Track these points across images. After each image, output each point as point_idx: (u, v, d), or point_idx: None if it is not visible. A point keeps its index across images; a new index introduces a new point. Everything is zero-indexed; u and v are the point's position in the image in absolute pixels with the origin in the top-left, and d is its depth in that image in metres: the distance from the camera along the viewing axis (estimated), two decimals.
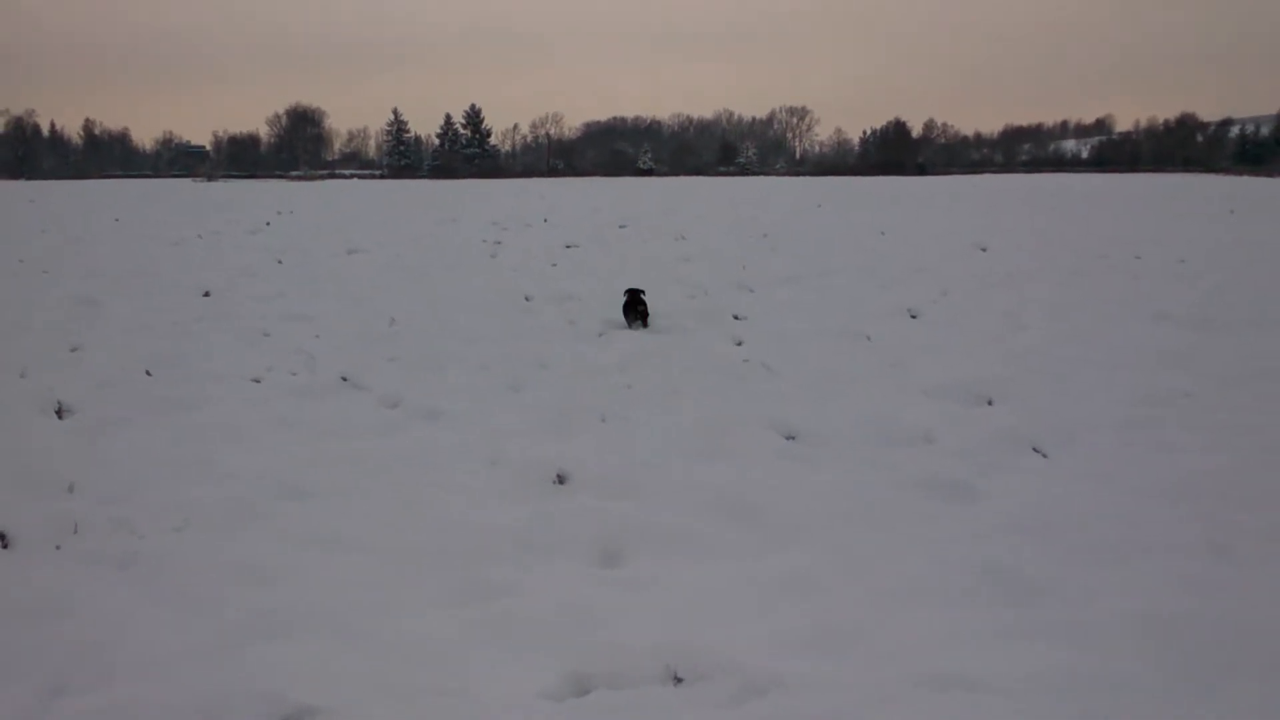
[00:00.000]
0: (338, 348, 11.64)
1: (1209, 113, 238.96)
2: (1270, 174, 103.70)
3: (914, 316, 13.85)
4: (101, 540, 5.92)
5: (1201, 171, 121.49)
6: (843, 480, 7.05)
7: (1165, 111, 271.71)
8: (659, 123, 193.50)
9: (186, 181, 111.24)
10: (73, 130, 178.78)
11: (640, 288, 13.90)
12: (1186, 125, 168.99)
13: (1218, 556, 5.57)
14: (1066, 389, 9.53)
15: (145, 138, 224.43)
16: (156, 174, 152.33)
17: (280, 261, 20.95)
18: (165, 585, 5.33)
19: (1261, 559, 5.55)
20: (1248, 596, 5.09)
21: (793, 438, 8.14)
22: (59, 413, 8.68)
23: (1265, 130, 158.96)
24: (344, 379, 10.05)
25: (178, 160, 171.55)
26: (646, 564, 5.74)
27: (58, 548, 5.79)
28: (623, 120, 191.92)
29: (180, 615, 5.01)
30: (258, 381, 10.01)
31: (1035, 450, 7.74)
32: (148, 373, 10.24)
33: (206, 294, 15.96)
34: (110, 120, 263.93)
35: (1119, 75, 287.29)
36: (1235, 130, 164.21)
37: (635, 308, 13.43)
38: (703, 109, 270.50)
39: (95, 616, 4.97)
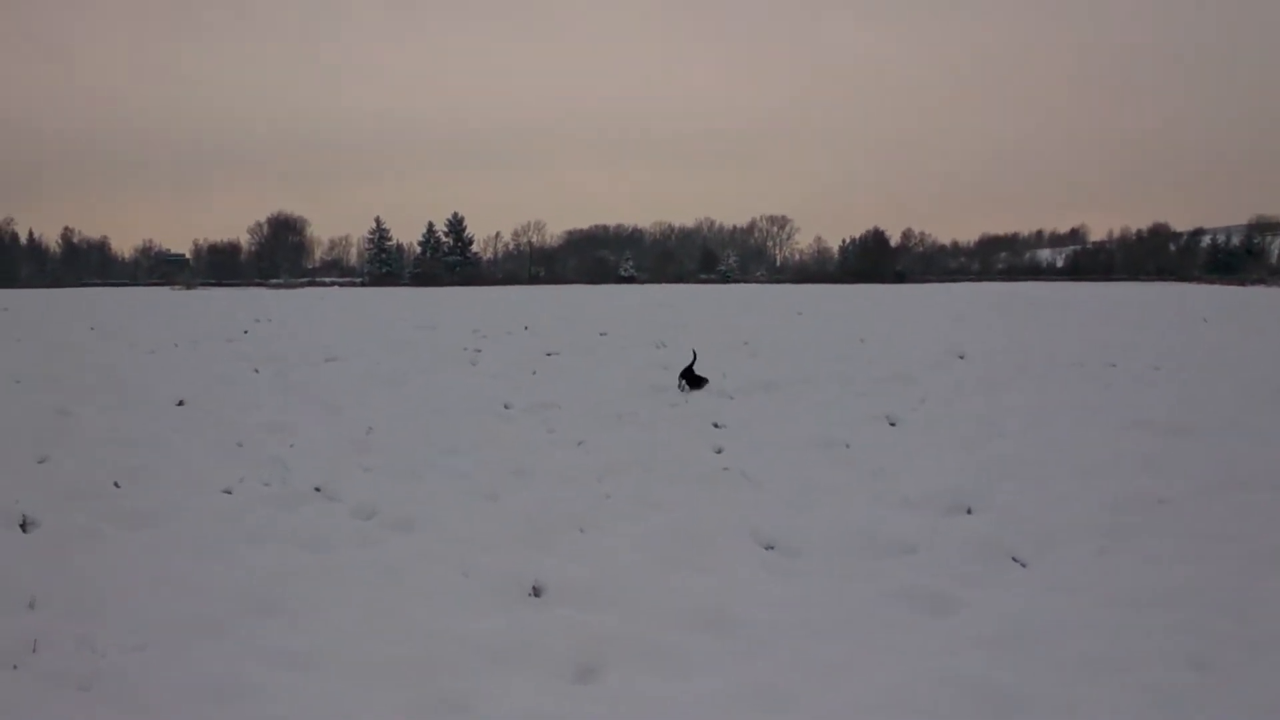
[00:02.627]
0: (313, 457, 11.52)
1: (1181, 223, 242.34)
2: (1242, 283, 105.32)
3: (893, 424, 13.82)
4: (63, 658, 5.75)
5: (1174, 280, 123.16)
6: (822, 591, 6.97)
7: (1138, 221, 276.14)
8: (640, 230, 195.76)
9: (165, 290, 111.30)
10: (51, 239, 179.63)
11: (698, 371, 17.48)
12: (1159, 235, 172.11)
13: (1198, 671, 5.49)
14: (1045, 497, 9.48)
15: (125, 246, 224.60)
16: (135, 282, 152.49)
17: (257, 370, 20.85)
18: (127, 705, 5.20)
19: (1242, 673, 5.47)
20: (1229, 712, 5.00)
21: (772, 547, 8.06)
22: (23, 525, 8.52)
23: (1236, 240, 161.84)
24: (318, 489, 9.93)
25: (157, 269, 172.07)
26: (622, 678, 5.62)
27: (15, 667, 5.62)
28: (604, 228, 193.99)
29: None
30: (229, 493, 9.86)
31: (1014, 560, 7.67)
32: (116, 484, 10.09)
33: (181, 403, 15.83)
34: (89, 229, 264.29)
35: (1093, 186, 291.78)
36: (1207, 240, 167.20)
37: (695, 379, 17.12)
38: (684, 217, 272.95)
39: None
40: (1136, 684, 5.32)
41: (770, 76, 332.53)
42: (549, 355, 24.20)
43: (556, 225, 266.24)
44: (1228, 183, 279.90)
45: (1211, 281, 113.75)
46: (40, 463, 11.10)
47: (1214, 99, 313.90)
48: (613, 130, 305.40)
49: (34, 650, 5.82)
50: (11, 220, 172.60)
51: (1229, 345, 25.36)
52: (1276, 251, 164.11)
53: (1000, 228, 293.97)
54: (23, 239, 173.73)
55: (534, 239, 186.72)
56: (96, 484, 10.01)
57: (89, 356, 24.21)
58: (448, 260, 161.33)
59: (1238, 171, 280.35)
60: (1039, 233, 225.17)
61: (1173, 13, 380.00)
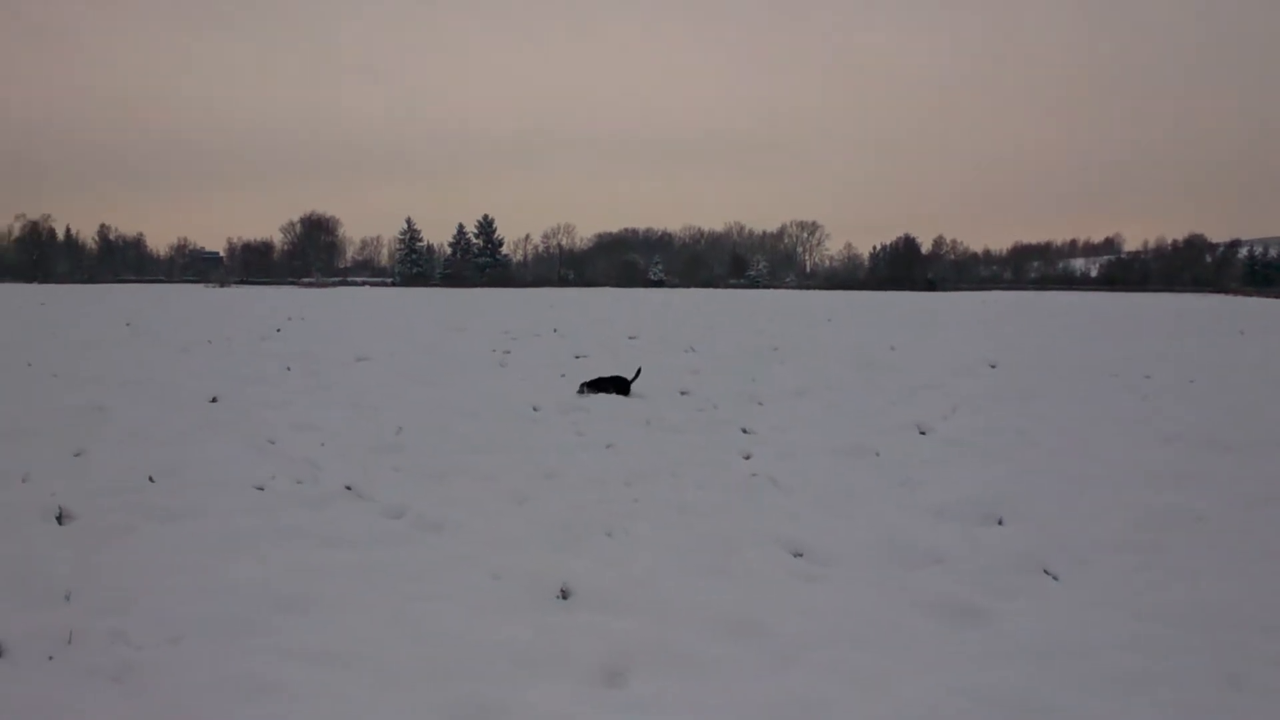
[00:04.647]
0: (343, 456, 11.57)
1: (1217, 234, 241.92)
2: (1279, 295, 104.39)
3: (923, 432, 13.76)
4: (97, 651, 5.79)
5: (1210, 292, 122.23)
6: (852, 600, 6.93)
7: (1174, 232, 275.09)
8: (670, 234, 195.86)
9: (199, 287, 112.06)
10: (87, 236, 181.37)
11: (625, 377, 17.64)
12: (1195, 245, 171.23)
13: (1233, 687, 5.43)
14: (1077, 509, 9.41)
15: (160, 244, 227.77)
16: (170, 279, 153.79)
17: (289, 368, 20.97)
18: (159, 699, 5.22)
19: (1278, 689, 5.40)
20: None
21: (801, 555, 8.03)
22: (60, 518, 8.59)
23: (1274, 252, 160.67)
24: (348, 488, 9.96)
25: (191, 266, 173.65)
26: (650, 684, 5.60)
27: (50, 658, 5.67)
28: (634, 231, 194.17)
29: None
30: (261, 489, 9.91)
31: (1046, 572, 7.61)
32: (151, 479, 10.16)
33: (214, 400, 15.93)
34: (125, 226, 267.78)
35: (1128, 195, 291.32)
36: (1244, 251, 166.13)
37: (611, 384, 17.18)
38: (713, 221, 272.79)
39: None
40: (1172, 701, 5.25)
41: (803, 80, 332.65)
42: (578, 358, 24.24)
43: (586, 228, 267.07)
44: (1266, 194, 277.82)
45: (1248, 294, 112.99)
46: (76, 456, 11.21)
47: (1254, 109, 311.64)
48: (644, 133, 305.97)
49: (69, 642, 5.86)
50: (49, 217, 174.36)
51: (1266, 359, 25.16)
52: None
53: (1033, 236, 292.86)
54: (60, 236, 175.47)
55: (563, 242, 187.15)
56: (131, 479, 10.09)
57: (124, 353, 24.43)
58: (478, 262, 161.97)
59: (1277, 183, 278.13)
60: (1073, 242, 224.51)
61: (1212, 21, 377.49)
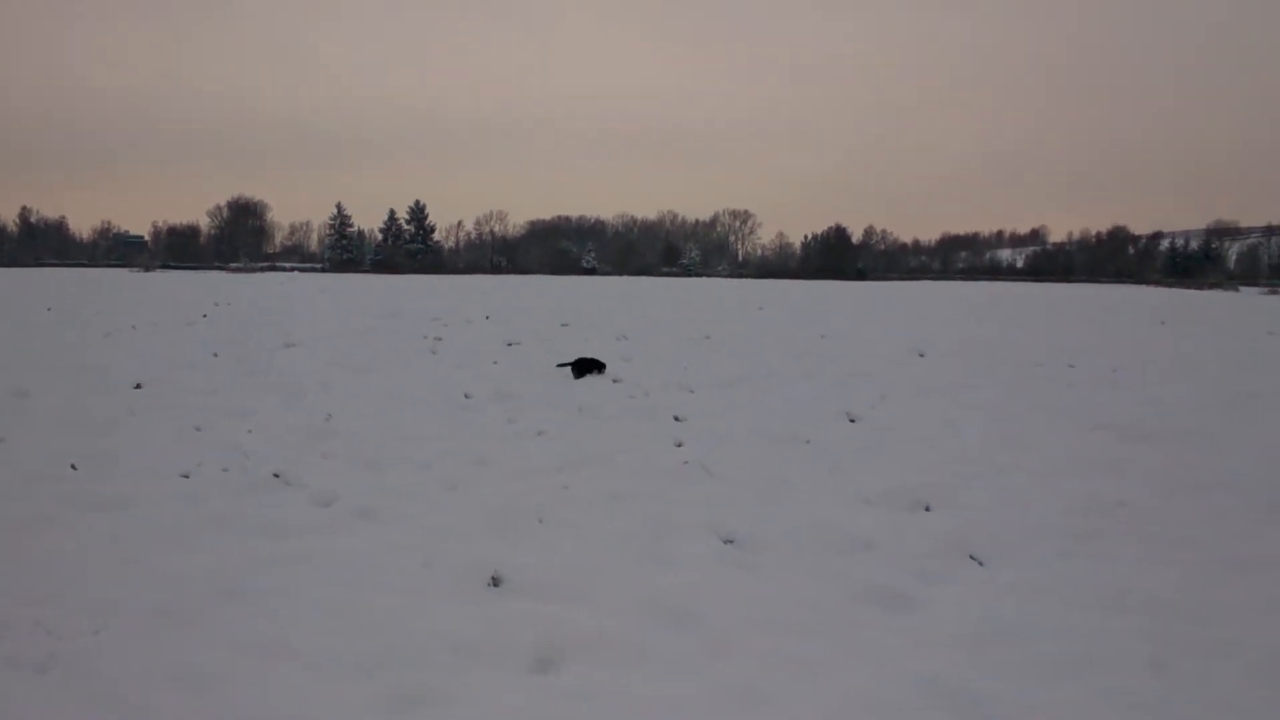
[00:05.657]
0: (272, 443, 11.45)
1: (1140, 226, 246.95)
2: (1199, 286, 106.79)
3: (853, 420, 13.87)
4: (19, 642, 5.68)
5: (1133, 283, 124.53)
6: (784, 587, 6.97)
7: (1098, 224, 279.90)
8: (603, 222, 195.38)
9: (123, 271, 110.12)
10: (7, 218, 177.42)
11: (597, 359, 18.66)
12: (1118, 237, 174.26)
13: (1159, 673, 5.53)
14: (1004, 497, 9.54)
15: (83, 227, 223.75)
16: (93, 263, 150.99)
17: (216, 354, 20.68)
18: (85, 690, 5.13)
19: (1203, 676, 5.51)
20: (1188, 715, 5.05)
21: (732, 542, 8.06)
22: None
23: (1194, 244, 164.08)
24: (276, 476, 9.86)
25: (115, 250, 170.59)
26: (583, 672, 5.60)
27: None
28: (567, 219, 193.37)
29: None
30: (187, 477, 9.77)
31: (974, 559, 7.71)
32: (74, 467, 9.99)
33: (138, 386, 15.69)
34: (47, 208, 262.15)
35: (1053, 188, 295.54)
36: (1165, 243, 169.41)
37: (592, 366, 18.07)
38: (646, 210, 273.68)
39: None
40: (1097, 686, 5.34)
41: (736, 71, 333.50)
42: (510, 345, 24.13)
43: (519, 215, 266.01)
44: (1187, 187, 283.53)
45: (1169, 285, 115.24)
46: None
47: (1176, 104, 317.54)
48: (577, 121, 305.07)
49: None
50: None
51: (1187, 349, 25.62)
52: (1234, 256, 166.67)
53: (961, 227, 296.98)
54: None
55: (496, 229, 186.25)
56: (53, 466, 9.92)
57: (46, 338, 23.96)
58: (409, 248, 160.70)
59: (1197, 176, 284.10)
60: (999, 233, 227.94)
61: (1137, 18, 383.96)
